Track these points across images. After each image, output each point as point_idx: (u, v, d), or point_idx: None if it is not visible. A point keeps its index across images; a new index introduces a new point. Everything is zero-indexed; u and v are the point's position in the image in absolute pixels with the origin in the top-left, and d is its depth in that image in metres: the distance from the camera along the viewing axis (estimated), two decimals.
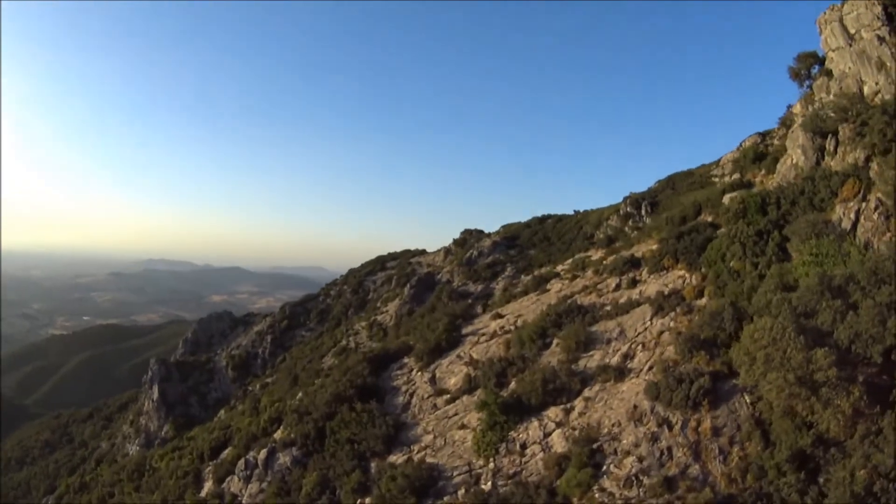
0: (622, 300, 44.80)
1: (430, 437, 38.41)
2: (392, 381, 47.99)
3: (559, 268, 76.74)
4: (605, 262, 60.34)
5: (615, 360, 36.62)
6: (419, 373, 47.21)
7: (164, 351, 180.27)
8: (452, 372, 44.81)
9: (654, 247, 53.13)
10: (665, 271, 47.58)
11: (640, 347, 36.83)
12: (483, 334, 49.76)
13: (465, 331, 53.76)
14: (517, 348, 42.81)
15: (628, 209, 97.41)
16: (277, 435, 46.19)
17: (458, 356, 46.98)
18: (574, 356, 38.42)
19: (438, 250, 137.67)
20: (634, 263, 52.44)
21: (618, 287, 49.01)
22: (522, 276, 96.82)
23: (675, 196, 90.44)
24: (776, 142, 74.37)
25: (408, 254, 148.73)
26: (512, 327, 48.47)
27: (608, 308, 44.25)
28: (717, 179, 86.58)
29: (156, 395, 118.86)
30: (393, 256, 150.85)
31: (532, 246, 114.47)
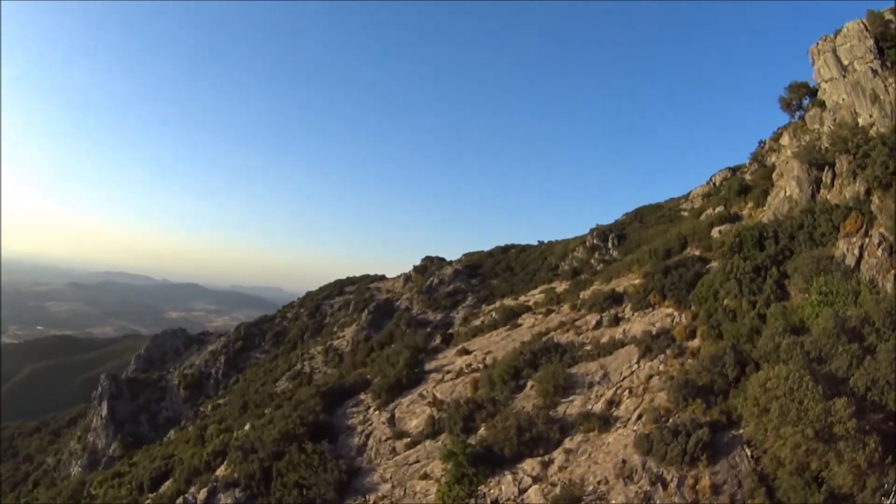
0: (604, 339, 40.86)
1: (388, 486, 34.14)
2: (347, 420, 43.50)
3: (531, 300, 74.17)
4: (581, 295, 56.02)
5: (599, 406, 32.90)
6: (377, 411, 42.93)
7: (118, 365, 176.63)
8: (414, 413, 40.71)
9: (637, 281, 49.67)
10: (651, 308, 43.79)
11: (626, 393, 33.23)
12: (448, 371, 45.82)
13: (428, 366, 49.66)
14: (487, 389, 38.90)
15: (595, 241, 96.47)
16: (220, 472, 41.24)
17: (421, 395, 43.00)
18: (552, 401, 34.55)
19: (398, 276, 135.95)
20: (616, 299, 48.19)
21: (599, 324, 44.74)
22: (484, 306, 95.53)
23: (644, 229, 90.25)
24: (748, 176, 73.36)
25: (367, 279, 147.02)
26: (480, 365, 44.54)
27: (589, 348, 40.32)
28: (686, 213, 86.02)
29: (104, 411, 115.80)
30: (352, 281, 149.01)
31: (494, 276, 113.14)
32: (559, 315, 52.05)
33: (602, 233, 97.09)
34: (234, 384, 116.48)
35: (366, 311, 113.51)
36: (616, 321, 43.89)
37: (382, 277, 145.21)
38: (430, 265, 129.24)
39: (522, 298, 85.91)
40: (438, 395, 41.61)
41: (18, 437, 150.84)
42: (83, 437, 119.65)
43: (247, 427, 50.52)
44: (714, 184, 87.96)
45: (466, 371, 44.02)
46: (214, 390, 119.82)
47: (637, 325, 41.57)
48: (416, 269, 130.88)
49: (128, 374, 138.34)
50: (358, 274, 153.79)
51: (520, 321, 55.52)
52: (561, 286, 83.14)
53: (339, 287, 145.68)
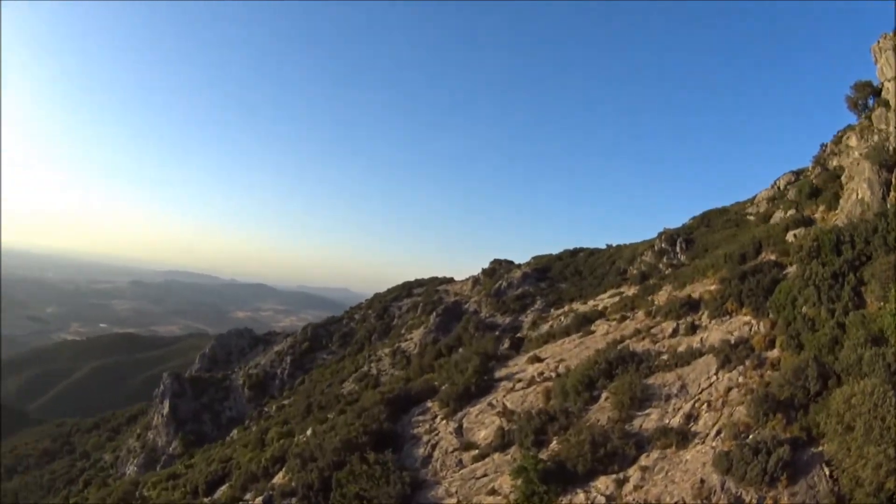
0: (681, 348, 38.01)
1: (454, 501, 31.76)
2: (412, 428, 40.71)
3: (599, 305, 73.40)
4: (657, 301, 53.52)
5: (676, 421, 30.33)
6: (444, 421, 39.79)
7: (181, 364, 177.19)
8: (483, 423, 37.63)
9: (713, 287, 46.77)
10: (728, 316, 40.68)
11: (704, 407, 30.74)
12: (519, 380, 42.40)
13: (498, 374, 46.20)
14: (559, 400, 35.91)
15: (663, 245, 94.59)
16: (278, 479, 40.03)
17: (490, 404, 39.70)
18: (628, 414, 31.86)
19: (466, 279, 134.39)
20: (692, 306, 45.18)
21: (675, 332, 41.62)
22: (552, 310, 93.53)
23: (711, 233, 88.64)
24: (813, 179, 69.88)
25: (435, 281, 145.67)
26: (553, 374, 41.07)
27: (665, 357, 37.46)
28: (751, 217, 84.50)
29: (166, 409, 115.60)
30: (420, 283, 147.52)
31: (563, 279, 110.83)
32: (634, 322, 48.85)
33: (670, 237, 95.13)
34: (299, 385, 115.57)
35: (434, 313, 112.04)
36: (693, 329, 40.90)
37: (451, 280, 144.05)
38: (499, 268, 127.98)
39: (591, 303, 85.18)
40: (509, 405, 38.34)
41: (76, 434, 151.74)
42: (143, 434, 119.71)
43: (308, 432, 49.12)
44: (779, 188, 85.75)
45: (538, 380, 40.78)
46: (279, 391, 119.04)
47: (714, 333, 38.90)
48: (484, 271, 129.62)
49: (191, 372, 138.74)
50: (425, 276, 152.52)
51: (593, 327, 52.29)
52: (629, 291, 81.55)
53: (406, 289, 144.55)
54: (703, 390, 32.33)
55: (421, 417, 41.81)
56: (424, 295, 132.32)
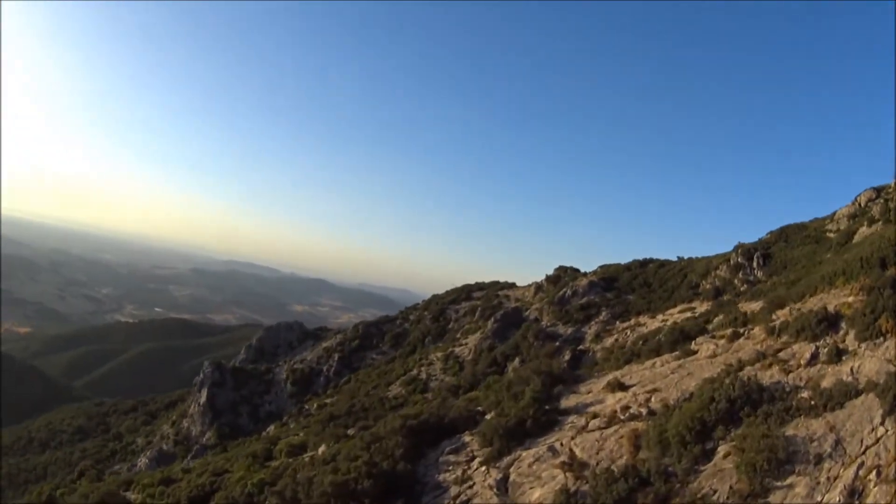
0: (826, 382, 25.91)
1: None
2: (438, 472, 29.50)
3: (669, 320, 70.24)
4: (779, 315, 42.15)
5: (835, 498, 19.51)
6: (483, 467, 27.97)
7: (232, 353, 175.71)
8: (539, 477, 25.70)
9: (850, 298, 34.66)
10: (882, 338, 28.35)
11: (873, 476, 19.74)
12: (594, 415, 30.30)
13: (565, 403, 34.41)
14: (655, 452, 24.13)
15: (739, 260, 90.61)
16: None
17: (552, 449, 27.22)
18: (762, 484, 20.56)
19: (529, 285, 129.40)
20: (830, 322, 31.92)
21: (814, 359, 28.92)
22: (618, 322, 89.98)
23: (789, 249, 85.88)
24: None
25: (496, 285, 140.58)
26: (643, 410, 28.78)
27: (806, 394, 25.57)
28: (832, 234, 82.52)
29: (203, 399, 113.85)
30: (480, 287, 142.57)
31: (631, 290, 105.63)
32: (750, 341, 35.73)
33: (747, 251, 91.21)
34: (344, 384, 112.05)
35: (492, 318, 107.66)
36: (837, 355, 28.35)
37: (512, 285, 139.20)
38: (564, 275, 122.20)
39: (660, 317, 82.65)
40: (579, 453, 26.25)
41: (113, 414, 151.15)
42: (178, 422, 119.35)
43: (320, 451, 40.65)
44: (860, 204, 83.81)
45: (622, 417, 28.75)
46: (323, 388, 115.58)
47: (869, 362, 26.49)
48: (548, 278, 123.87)
49: (236, 363, 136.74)
50: (487, 280, 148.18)
51: (693, 346, 39.56)
52: (702, 306, 79.19)
53: (466, 292, 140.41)
54: (866, 448, 21.29)
55: (453, 458, 30.49)
56: (484, 299, 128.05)
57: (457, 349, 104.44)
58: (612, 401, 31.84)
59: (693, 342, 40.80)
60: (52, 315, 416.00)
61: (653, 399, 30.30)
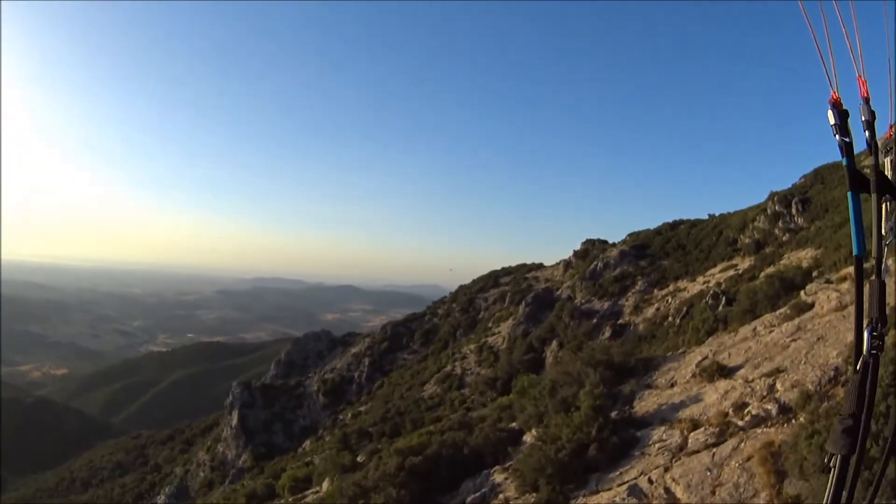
0: None
1: None
2: None
3: (711, 280, 68.84)
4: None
5: None
6: None
7: (267, 370, 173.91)
8: None
9: None
10: None
11: None
12: (692, 423, 20.30)
13: (640, 405, 24.85)
14: (814, 480, 14.19)
15: (777, 208, 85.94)
16: None
17: (635, 490, 17.24)
18: None
19: (557, 263, 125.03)
20: None
21: None
22: (656, 291, 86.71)
23: (828, 191, 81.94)
24: None
25: (523, 268, 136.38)
26: (769, 406, 18.97)
27: None
28: (868, 170, 75.09)
29: (234, 421, 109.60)
30: (507, 271, 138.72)
31: (664, 255, 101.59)
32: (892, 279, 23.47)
33: (784, 198, 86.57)
34: (377, 389, 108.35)
35: (523, 303, 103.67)
36: None
37: (540, 266, 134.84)
38: (592, 248, 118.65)
39: (701, 279, 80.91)
40: (681, 494, 16.45)
41: (150, 446, 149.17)
42: (213, 447, 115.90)
43: (325, 486, 33.93)
44: None
45: (740, 423, 18.43)
46: (357, 396, 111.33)
47: None
48: (576, 253, 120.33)
49: (266, 380, 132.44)
50: (514, 264, 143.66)
51: (805, 297, 29.55)
52: (744, 262, 76.80)
53: (493, 279, 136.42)
54: None
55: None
56: (512, 283, 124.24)
57: (490, 339, 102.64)
58: (715, 395, 22.24)
59: (803, 292, 30.99)
60: (86, 354, 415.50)
61: (779, 385, 20.36)
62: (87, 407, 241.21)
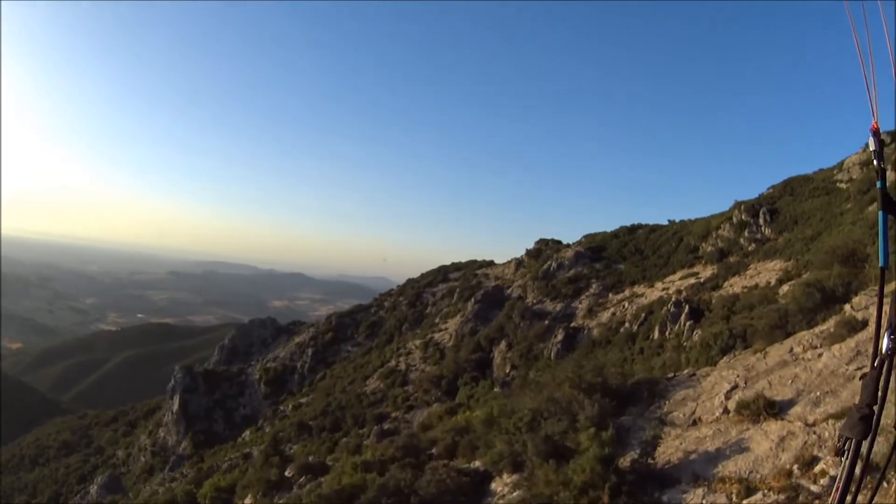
0: None
1: None
2: None
3: (671, 287, 66.48)
4: None
5: None
6: None
7: (212, 354, 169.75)
8: None
9: None
10: None
11: None
12: (745, 485, 14.31)
13: (663, 453, 18.03)
14: None
15: (743, 217, 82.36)
16: None
17: None
18: None
19: (508, 261, 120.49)
20: None
21: None
22: (611, 295, 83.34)
23: (797, 203, 79.44)
24: None
25: (473, 265, 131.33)
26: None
27: None
28: (843, 184, 76.11)
29: (176, 406, 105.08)
30: (457, 267, 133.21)
31: (621, 259, 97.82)
32: None
33: (751, 207, 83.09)
34: (319, 380, 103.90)
35: (472, 300, 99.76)
36: None
37: (491, 263, 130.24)
38: (546, 248, 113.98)
39: (660, 285, 78.88)
40: None
41: (95, 427, 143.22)
42: (154, 431, 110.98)
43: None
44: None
45: (814, 487, 13.04)
46: (298, 387, 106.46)
47: None
48: (528, 252, 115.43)
49: (209, 365, 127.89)
50: (464, 260, 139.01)
51: (853, 311, 22.42)
52: (705, 271, 74.77)
53: (442, 274, 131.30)
54: None
55: None
56: (462, 280, 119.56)
57: (436, 335, 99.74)
58: (766, 443, 16.02)
59: (849, 306, 23.58)
60: (42, 329, 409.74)
61: (827, 426, 15.47)
62: (38, 383, 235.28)
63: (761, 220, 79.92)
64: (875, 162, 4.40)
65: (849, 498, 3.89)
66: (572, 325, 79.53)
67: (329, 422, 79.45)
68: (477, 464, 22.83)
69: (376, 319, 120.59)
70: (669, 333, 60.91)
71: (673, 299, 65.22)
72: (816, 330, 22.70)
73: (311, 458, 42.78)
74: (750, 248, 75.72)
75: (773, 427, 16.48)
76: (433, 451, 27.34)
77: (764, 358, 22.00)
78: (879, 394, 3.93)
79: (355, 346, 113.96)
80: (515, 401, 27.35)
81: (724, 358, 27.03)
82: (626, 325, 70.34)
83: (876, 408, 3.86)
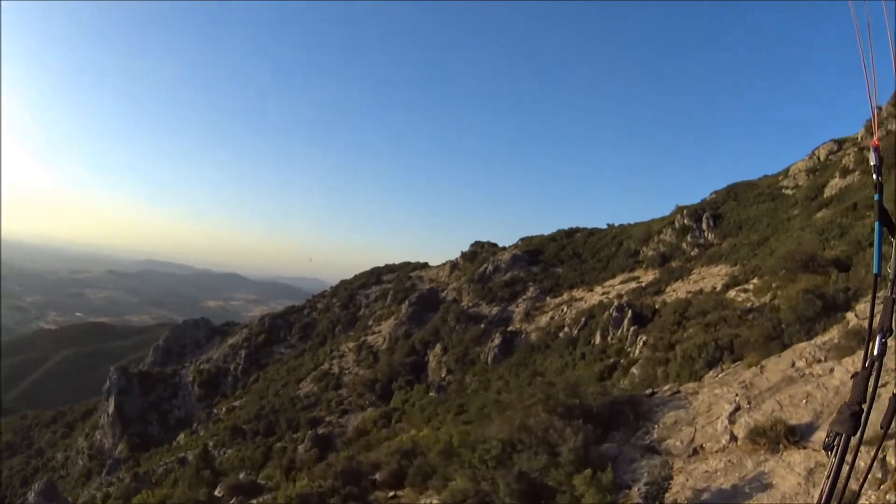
0: None
1: None
2: None
3: (612, 291, 67.29)
4: None
5: None
6: None
7: (147, 355, 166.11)
8: None
9: None
10: None
11: None
12: None
13: (670, 496, 14.49)
14: None
15: (685, 222, 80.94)
16: None
17: None
18: None
19: (443, 264, 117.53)
20: None
21: None
22: (548, 298, 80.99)
23: (742, 208, 78.59)
24: (854, 148, 67.45)
25: (407, 266, 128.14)
26: None
27: None
28: (789, 191, 76.21)
29: (111, 408, 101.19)
30: (390, 269, 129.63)
31: (559, 262, 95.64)
32: None
33: (694, 212, 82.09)
34: (253, 383, 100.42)
35: (406, 302, 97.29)
36: None
37: (425, 265, 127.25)
38: (481, 251, 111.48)
39: (599, 289, 77.88)
40: None
41: (35, 428, 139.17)
42: (91, 434, 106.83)
43: None
44: (818, 158, 77.50)
45: None
46: (232, 389, 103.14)
47: None
48: (464, 255, 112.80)
49: (144, 366, 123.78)
50: (398, 262, 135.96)
51: (861, 321, 19.86)
52: (647, 275, 73.18)
53: (376, 275, 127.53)
54: None
55: None
56: (395, 282, 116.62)
57: (370, 338, 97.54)
58: (792, 478, 13.59)
59: (853, 314, 21.47)
60: None
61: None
62: None
63: (704, 225, 79.27)
64: (874, 176, 4.48)
65: (839, 486, 3.94)
66: (509, 329, 77.91)
67: (263, 426, 77.99)
68: (434, 501, 18.60)
69: (309, 321, 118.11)
70: (612, 339, 59.24)
71: (615, 304, 63.32)
72: (818, 341, 20.08)
73: (241, 477, 39.36)
74: (693, 253, 74.89)
75: (797, 457, 13.88)
76: (377, 476, 23.29)
77: (762, 373, 18.91)
78: (869, 392, 3.96)
79: (288, 348, 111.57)
80: (479, 429, 22.20)
81: (711, 372, 23.93)
82: (566, 329, 68.72)
83: (865, 406, 3.91)
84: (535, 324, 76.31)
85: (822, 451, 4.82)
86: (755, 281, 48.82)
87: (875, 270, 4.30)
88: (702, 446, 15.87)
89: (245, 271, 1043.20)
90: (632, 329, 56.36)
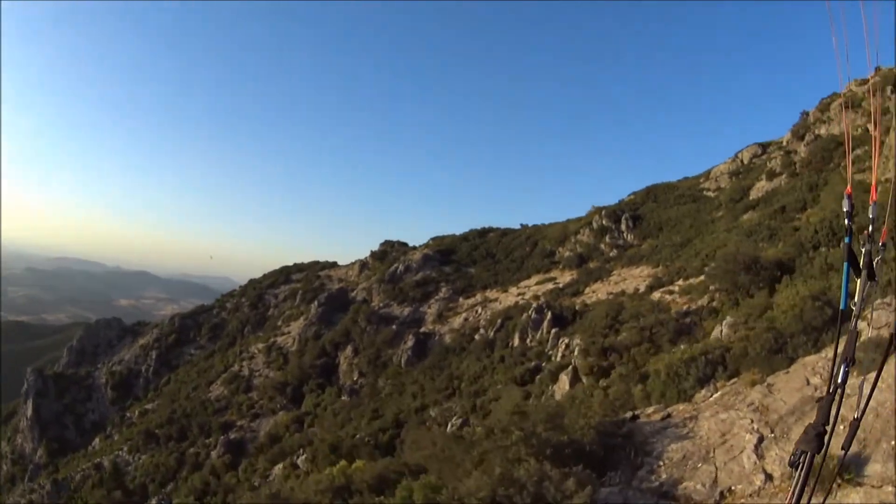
0: None
1: None
2: None
3: (527, 292, 68.89)
4: None
5: None
6: None
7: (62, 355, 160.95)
8: None
9: None
10: None
11: None
12: None
13: None
14: None
15: (604, 223, 79.92)
16: None
17: None
18: None
19: (353, 263, 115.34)
20: None
21: None
22: (461, 299, 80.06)
23: (662, 209, 78.36)
24: (802, 148, 65.08)
25: (316, 266, 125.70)
26: None
27: None
28: (711, 193, 78.67)
29: (30, 411, 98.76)
30: (299, 268, 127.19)
31: (472, 263, 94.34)
32: None
33: (612, 213, 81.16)
34: (164, 385, 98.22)
35: (315, 302, 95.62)
36: None
37: (334, 265, 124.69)
38: (391, 250, 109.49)
39: (514, 290, 76.92)
40: None
41: None
42: (13, 437, 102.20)
43: None
44: (742, 161, 78.76)
45: None
46: (144, 391, 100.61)
47: None
48: (373, 254, 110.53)
49: (59, 367, 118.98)
50: (307, 261, 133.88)
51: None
52: (563, 276, 71.79)
53: (284, 274, 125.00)
54: None
55: None
56: (304, 281, 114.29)
57: (279, 339, 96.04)
58: None
59: (864, 322, 15.77)
60: None
61: None
62: None
63: (623, 226, 78.52)
64: (846, 221, 4.81)
65: (803, 501, 4.19)
66: (422, 330, 76.56)
67: (175, 430, 77.37)
68: None
69: (219, 321, 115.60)
70: (532, 341, 57.39)
71: (534, 305, 61.60)
72: (829, 354, 17.04)
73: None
74: (612, 254, 74.22)
75: (856, 497, 11.14)
76: None
77: (771, 393, 15.85)
78: (832, 415, 4.29)
79: (198, 349, 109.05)
80: (451, 479, 16.32)
81: (703, 391, 20.18)
82: (482, 331, 67.50)
83: (828, 427, 4.23)
84: (449, 325, 75.08)
85: (789, 467, 4.85)
86: (680, 282, 47.85)
87: (842, 306, 4.64)
88: (730, 489, 12.75)
89: (155, 269, 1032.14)
90: (553, 331, 54.78)
